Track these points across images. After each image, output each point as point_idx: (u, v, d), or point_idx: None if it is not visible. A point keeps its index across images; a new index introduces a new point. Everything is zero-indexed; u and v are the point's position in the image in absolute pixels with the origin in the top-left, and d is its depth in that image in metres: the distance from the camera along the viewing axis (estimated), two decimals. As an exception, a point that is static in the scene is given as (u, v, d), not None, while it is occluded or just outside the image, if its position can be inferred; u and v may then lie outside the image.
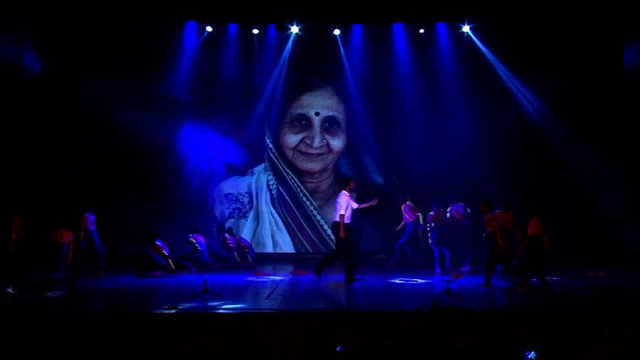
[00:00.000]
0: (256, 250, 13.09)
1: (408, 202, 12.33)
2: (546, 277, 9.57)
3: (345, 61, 13.72)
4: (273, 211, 14.27)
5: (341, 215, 10.09)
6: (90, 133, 13.01)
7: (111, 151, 13.10)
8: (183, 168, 13.67)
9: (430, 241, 11.81)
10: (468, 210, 12.07)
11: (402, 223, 12.24)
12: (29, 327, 6.81)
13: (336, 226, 10.20)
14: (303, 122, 14.24)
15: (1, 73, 11.63)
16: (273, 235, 14.28)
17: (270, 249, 14.21)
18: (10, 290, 9.09)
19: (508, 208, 10.36)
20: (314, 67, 14.10)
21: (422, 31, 13.53)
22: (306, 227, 14.10)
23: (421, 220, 12.11)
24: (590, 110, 12.61)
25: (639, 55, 12.24)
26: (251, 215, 14.10)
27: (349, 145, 14.25)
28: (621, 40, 12.60)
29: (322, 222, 14.09)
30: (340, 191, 10.39)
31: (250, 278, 11.14)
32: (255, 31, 13.65)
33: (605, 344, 6.53)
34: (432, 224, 11.78)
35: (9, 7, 11.72)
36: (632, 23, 12.29)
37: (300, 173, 14.31)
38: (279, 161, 14.26)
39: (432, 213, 11.84)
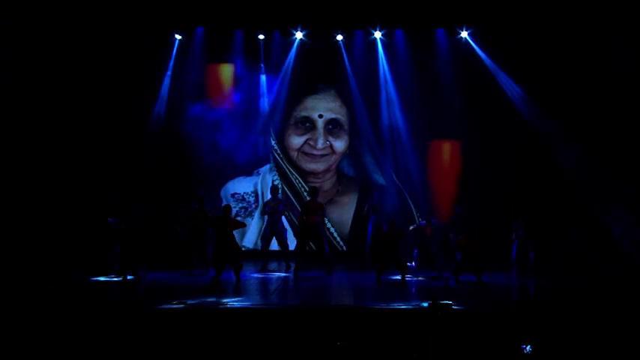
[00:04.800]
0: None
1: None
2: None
3: (347, 65, 13.96)
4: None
5: None
6: (101, 134, 13.31)
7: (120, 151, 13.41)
8: (188, 169, 13.98)
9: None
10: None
11: None
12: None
13: None
14: (307, 124, 14.48)
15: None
16: (279, 233, 14.55)
17: (275, 246, 14.40)
18: None
19: None
20: (317, 71, 14.30)
21: (421, 36, 13.77)
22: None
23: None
24: (590, 115, 12.68)
25: (628, 55, 12.39)
26: (257, 214, 14.32)
27: (351, 147, 14.49)
28: (612, 42, 12.72)
29: (325, 220, 14.29)
30: None
31: (255, 275, 11.46)
32: (261, 37, 13.95)
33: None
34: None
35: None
36: (622, 25, 12.48)
37: (304, 173, 14.52)
38: (283, 162, 14.52)
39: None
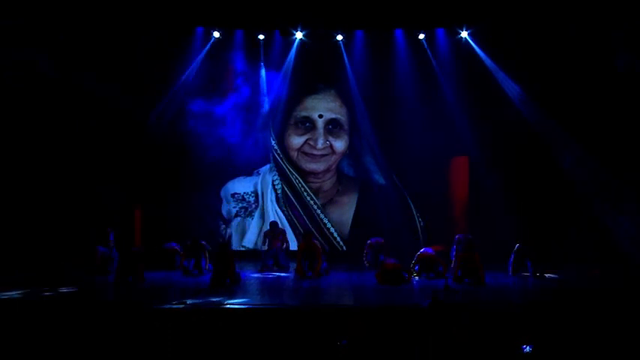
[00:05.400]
0: (262, 248, 13.32)
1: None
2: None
3: (347, 65, 13.99)
4: (279, 210, 14.45)
5: None
6: (104, 134, 13.34)
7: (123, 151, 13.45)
8: (188, 169, 14.02)
9: None
10: None
11: None
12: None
13: None
14: (307, 124, 14.47)
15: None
16: (279, 233, 14.55)
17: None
18: None
19: None
20: (317, 71, 14.32)
21: (422, 36, 13.81)
22: (310, 226, 14.30)
23: None
24: (590, 115, 12.70)
25: (629, 56, 12.42)
26: (257, 214, 14.36)
27: (351, 147, 14.49)
28: (612, 42, 12.74)
29: (325, 220, 14.32)
30: None
31: (255, 275, 11.46)
32: (261, 37, 13.98)
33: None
34: None
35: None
36: (622, 25, 12.51)
37: (304, 173, 14.51)
38: (283, 162, 14.52)
39: None
